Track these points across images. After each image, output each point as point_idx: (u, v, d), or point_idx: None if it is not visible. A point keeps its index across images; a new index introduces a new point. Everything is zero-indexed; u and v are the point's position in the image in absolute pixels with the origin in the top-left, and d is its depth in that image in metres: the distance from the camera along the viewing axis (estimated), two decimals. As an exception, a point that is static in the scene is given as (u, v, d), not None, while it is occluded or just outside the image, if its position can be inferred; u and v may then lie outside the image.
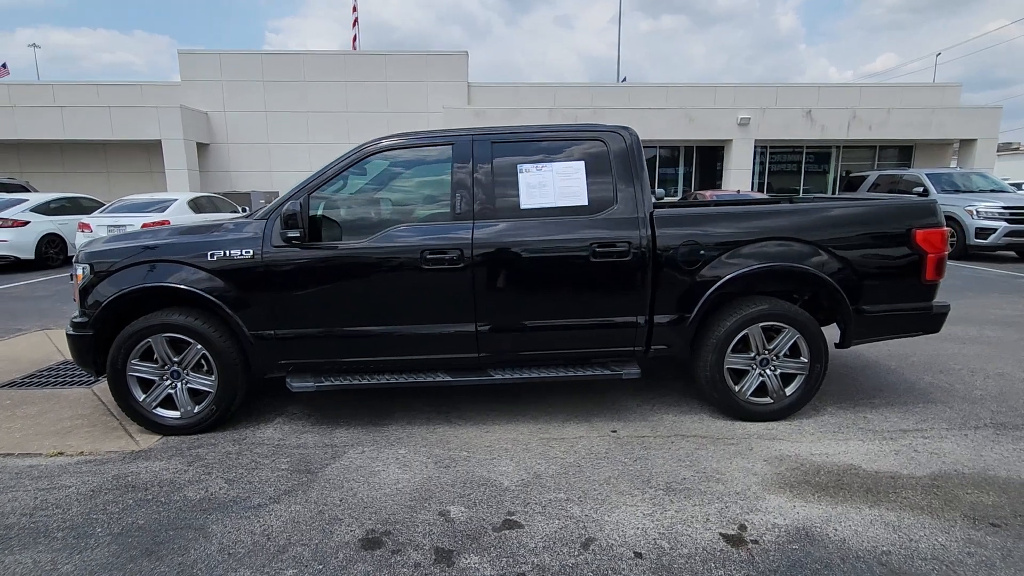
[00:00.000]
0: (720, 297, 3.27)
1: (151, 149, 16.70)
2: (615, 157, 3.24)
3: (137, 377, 3.20)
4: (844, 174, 17.97)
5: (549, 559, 2.10)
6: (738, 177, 17.03)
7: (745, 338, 3.26)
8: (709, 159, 18.31)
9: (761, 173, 18.49)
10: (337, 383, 3.21)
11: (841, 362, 4.44)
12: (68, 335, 3.22)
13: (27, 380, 4.19)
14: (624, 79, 25.78)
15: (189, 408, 3.23)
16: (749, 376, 3.32)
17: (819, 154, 18.63)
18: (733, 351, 3.28)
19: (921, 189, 10.91)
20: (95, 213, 10.00)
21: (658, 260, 3.15)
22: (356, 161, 3.23)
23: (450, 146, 3.23)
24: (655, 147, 18.08)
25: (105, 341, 3.19)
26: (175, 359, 3.18)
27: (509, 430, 3.26)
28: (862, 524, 2.30)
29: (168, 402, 3.24)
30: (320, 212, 3.23)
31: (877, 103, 17.92)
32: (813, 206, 3.37)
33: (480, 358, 3.25)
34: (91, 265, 3.19)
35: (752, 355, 3.30)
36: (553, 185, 3.21)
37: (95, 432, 3.28)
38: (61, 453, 3.05)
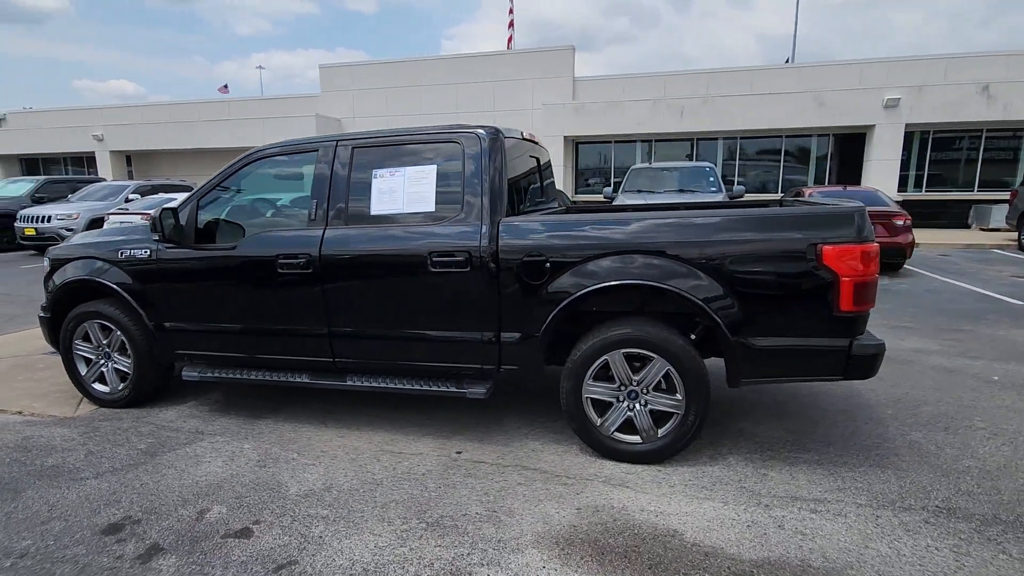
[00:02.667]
0: (574, 316, 2.89)
1: (296, 153, 19.17)
2: (468, 161, 3.01)
3: (82, 355, 3.78)
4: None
5: (236, 574, 2.08)
6: (882, 171, 14.39)
7: (607, 365, 2.83)
8: (849, 150, 15.73)
9: (919, 165, 15.39)
10: (216, 375, 3.46)
11: (829, 403, 3.62)
12: (39, 316, 3.91)
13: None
14: (788, 60, 23.25)
15: (116, 386, 3.73)
16: (614, 409, 2.88)
17: (1003, 140, 14.93)
18: (595, 379, 2.87)
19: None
20: (113, 209, 11.50)
21: (502, 273, 2.88)
22: (239, 169, 3.43)
23: (315, 152, 3.28)
24: (780, 136, 16.04)
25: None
26: (104, 342, 3.70)
27: (359, 438, 3.24)
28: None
29: (102, 379, 3.78)
30: (208, 217, 3.49)
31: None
32: (684, 214, 2.78)
33: (336, 363, 3.26)
34: (49, 260, 3.83)
35: (616, 385, 2.86)
36: (403, 191, 3.09)
37: (59, 399, 3.93)
38: (20, 412, 3.72)
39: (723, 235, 2.63)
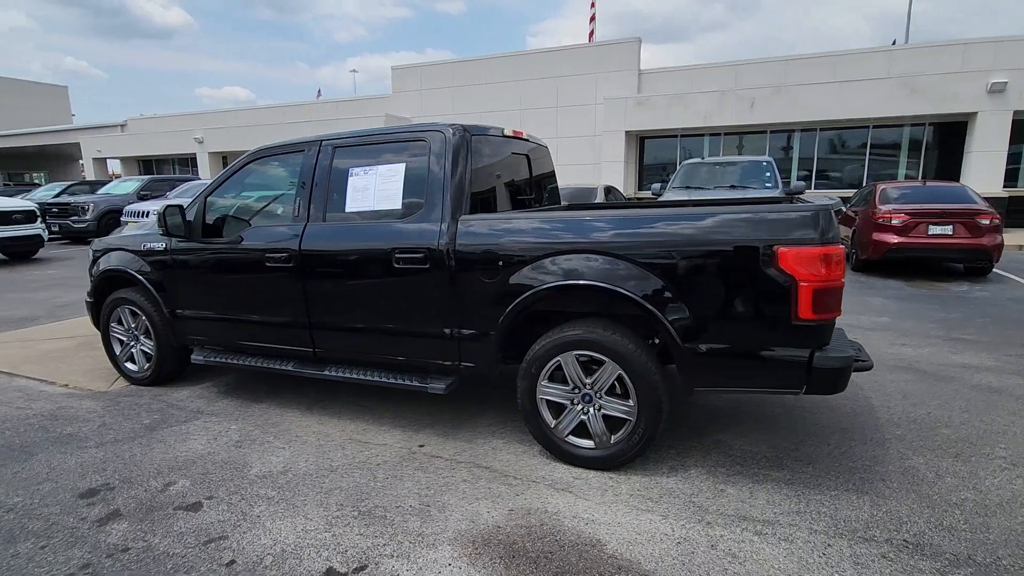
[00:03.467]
0: (536, 315, 2.85)
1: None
2: (433, 159, 3.04)
3: (116, 337, 4.22)
4: None
5: (171, 543, 2.26)
6: (985, 163, 12.78)
7: (562, 366, 2.77)
8: (948, 141, 14.11)
9: (1033, 156, 13.52)
10: (217, 360, 3.74)
11: (829, 419, 3.33)
12: (85, 301, 4.40)
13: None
14: (894, 42, 21.40)
15: (142, 365, 4.13)
16: (568, 412, 2.82)
17: None
18: (550, 380, 2.82)
19: None
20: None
21: (458, 270, 2.89)
22: (242, 167, 3.67)
23: (301, 153, 3.44)
24: (866, 127, 14.68)
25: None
26: (133, 326, 4.10)
27: (335, 426, 3.37)
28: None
29: (132, 359, 4.19)
30: (216, 213, 3.76)
31: None
32: (635, 212, 2.64)
33: (316, 353, 3.42)
34: (92, 251, 4.29)
35: (570, 388, 2.79)
36: (374, 188, 3.18)
37: (101, 376, 4.40)
38: (66, 385, 4.21)
39: (672, 235, 2.49)
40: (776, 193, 8.03)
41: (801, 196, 3.52)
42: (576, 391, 2.78)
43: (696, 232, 2.45)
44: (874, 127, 14.68)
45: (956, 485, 2.58)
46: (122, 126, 27.75)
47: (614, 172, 15.97)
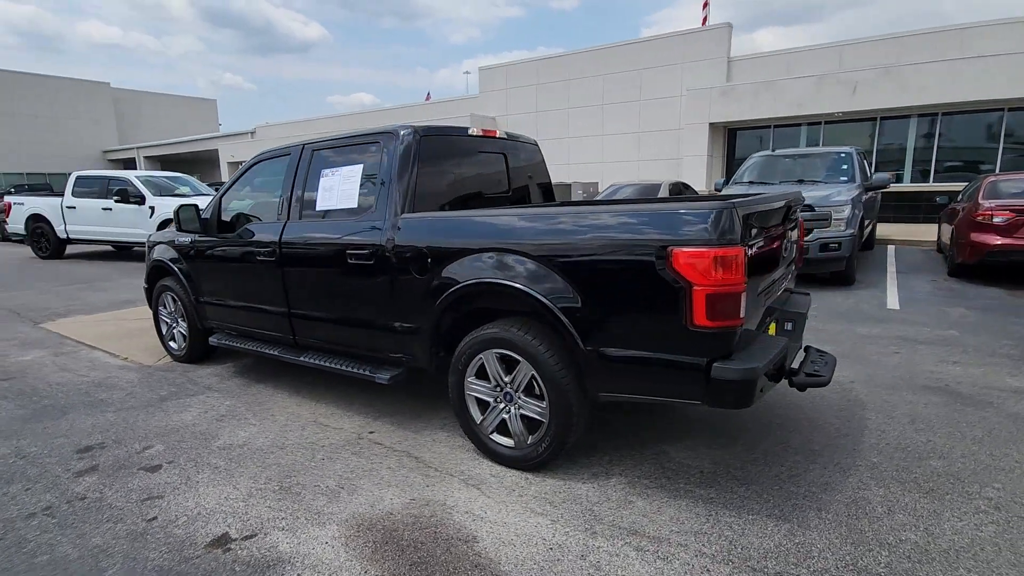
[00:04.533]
0: (470, 312, 2.89)
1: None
2: (385, 159, 3.17)
3: (162, 319, 4.86)
4: None
5: (117, 497, 2.61)
6: None
7: (485, 364, 2.80)
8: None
9: None
10: (225, 343, 4.19)
11: (803, 440, 3.04)
12: (143, 287, 5.10)
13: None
14: None
15: (180, 344, 4.72)
16: (491, 409, 2.84)
17: None
18: (477, 377, 2.86)
19: None
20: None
21: (398, 266, 3.00)
22: (246, 170, 4.07)
23: (287, 156, 3.74)
24: (1000, 110, 12.59)
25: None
26: (172, 310, 4.70)
27: (309, 408, 3.65)
28: None
29: (174, 339, 4.81)
30: (229, 211, 4.19)
31: None
32: (543, 211, 2.55)
33: (295, 340, 3.71)
34: (148, 244, 4.97)
35: (492, 385, 2.81)
36: (338, 189, 3.38)
37: (154, 352, 5.08)
38: (126, 359, 4.93)
39: (573, 234, 2.41)
40: (850, 187, 7.24)
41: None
42: (498, 389, 2.79)
43: (595, 231, 2.36)
44: (1009, 110, 12.57)
45: (905, 524, 2.25)
46: (251, 133, 31.13)
47: (695, 167, 15.20)
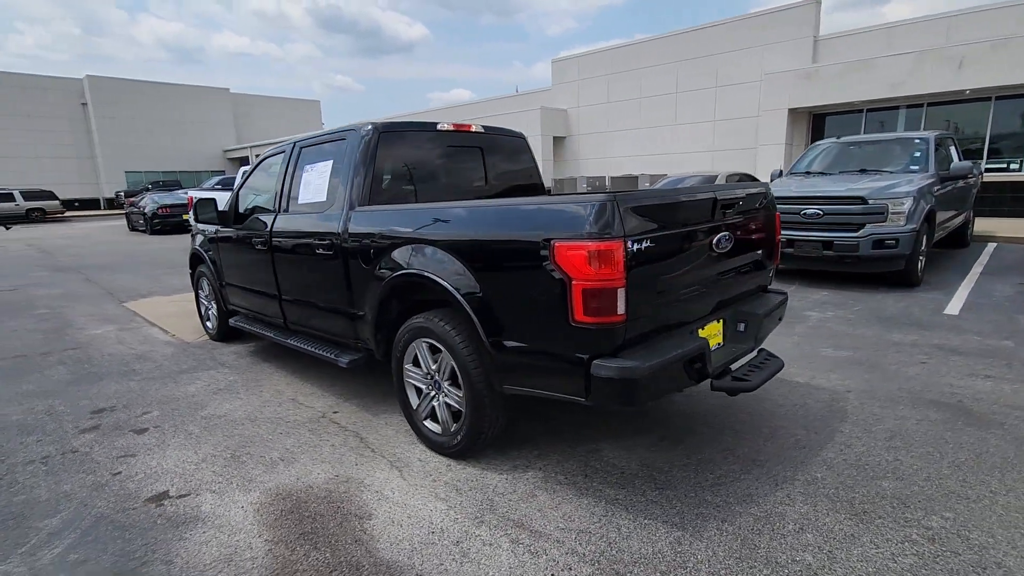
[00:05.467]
0: (405, 301, 3.00)
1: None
2: (347, 155, 3.34)
3: (200, 300, 5.42)
4: None
5: (100, 453, 3.01)
6: None
7: (417, 352, 2.90)
8: None
9: None
10: (241, 324, 4.61)
11: (759, 448, 2.87)
12: (189, 272, 5.70)
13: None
14: None
15: (213, 324, 5.25)
16: (424, 396, 2.93)
17: None
18: (413, 364, 2.97)
19: None
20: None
21: (350, 256, 3.17)
22: (256, 167, 4.43)
23: (282, 153, 4.03)
24: None
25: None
26: (207, 293, 5.24)
27: (295, 387, 3.94)
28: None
29: (208, 318, 5.35)
30: (243, 204, 4.58)
31: None
32: (456, 204, 2.56)
33: (286, 323, 4.02)
34: (192, 233, 5.54)
35: (424, 373, 2.90)
36: (313, 183, 3.61)
37: (198, 330, 5.68)
38: (174, 335, 5.55)
39: (478, 227, 2.44)
40: (919, 177, 6.48)
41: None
42: (429, 377, 2.88)
43: (494, 225, 2.38)
44: None
45: (809, 544, 2.07)
46: (344, 130, 33.15)
47: (772, 156, 14.18)
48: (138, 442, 3.14)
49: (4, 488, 2.67)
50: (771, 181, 8.07)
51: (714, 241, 2.52)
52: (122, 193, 32.99)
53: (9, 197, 26.50)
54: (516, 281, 2.32)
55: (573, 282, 2.09)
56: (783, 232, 6.66)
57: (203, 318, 5.42)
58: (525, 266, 2.26)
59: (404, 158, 3.45)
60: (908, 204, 6.01)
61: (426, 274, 2.63)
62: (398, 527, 2.29)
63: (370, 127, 3.34)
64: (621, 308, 2.07)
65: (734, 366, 2.70)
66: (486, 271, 2.42)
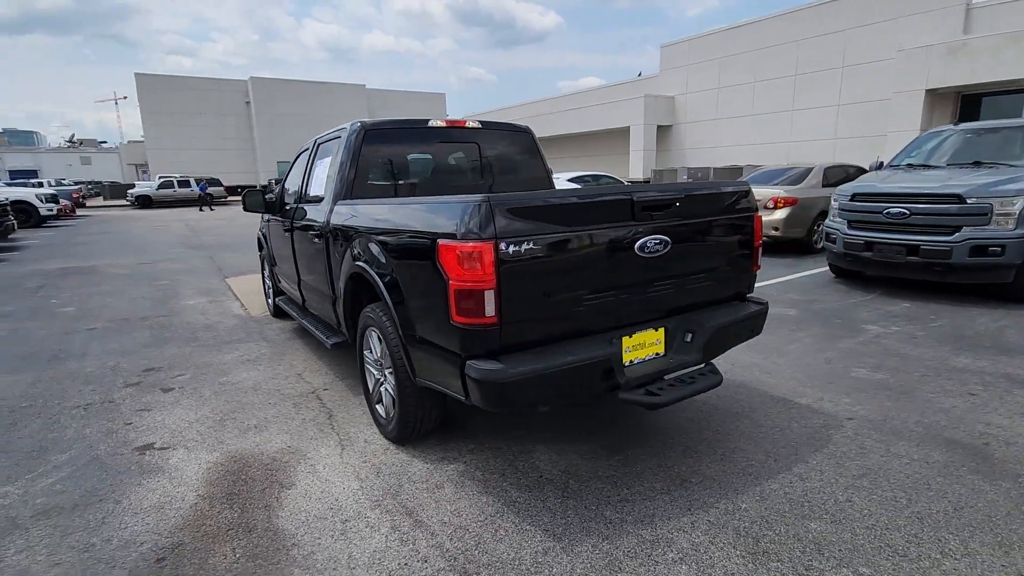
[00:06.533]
0: (368, 292, 3.18)
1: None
2: (338, 152, 3.59)
3: (265, 280, 6.10)
4: None
5: (127, 405, 3.57)
6: None
7: (369, 340, 3.08)
8: None
9: None
10: (279, 303, 5.13)
11: (714, 465, 2.69)
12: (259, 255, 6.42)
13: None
14: None
15: (271, 302, 5.90)
16: (376, 382, 3.10)
17: None
18: (369, 351, 3.15)
19: None
20: None
21: (332, 246, 3.42)
22: (295, 161, 4.87)
23: (307, 149, 4.40)
24: None
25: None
26: (267, 274, 5.88)
27: (305, 363, 4.32)
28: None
29: (269, 296, 6.00)
30: (285, 193, 5.06)
31: None
32: (385, 202, 2.63)
33: (304, 305, 4.41)
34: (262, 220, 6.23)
35: (375, 360, 3.07)
36: (318, 177, 3.91)
37: (263, 306, 6.39)
38: (246, 310, 6.31)
39: (394, 223, 2.53)
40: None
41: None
42: (379, 365, 3.04)
43: (404, 222, 2.45)
44: None
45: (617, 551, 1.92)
46: (459, 122, 34.48)
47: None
48: (160, 399, 3.68)
49: (46, 426, 3.30)
50: (869, 172, 7.15)
51: (637, 245, 2.37)
52: (273, 180, 37.49)
53: (186, 184, 31.40)
54: (420, 278, 2.38)
55: (449, 282, 2.11)
56: (861, 233, 5.90)
57: (266, 296, 6.10)
58: (424, 264, 2.31)
59: (390, 155, 3.62)
60: (1021, 204, 5.01)
61: (363, 266, 2.79)
62: (307, 499, 2.49)
63: (358, 125, 3.55)
64: (490, 310, 2.05)
65: (671, 377, 2.53)
66: (401, 267, 2.51)
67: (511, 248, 2.06)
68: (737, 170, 14.84)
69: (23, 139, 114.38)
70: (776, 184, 9.35)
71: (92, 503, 2.49)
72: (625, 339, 2.46)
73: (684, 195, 2.50)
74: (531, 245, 2.10)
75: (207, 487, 2.61)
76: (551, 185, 4.36)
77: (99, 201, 36.77)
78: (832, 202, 6.50)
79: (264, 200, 5.00)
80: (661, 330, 2.59)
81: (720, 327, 2.66)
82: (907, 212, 5.50)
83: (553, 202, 2.21)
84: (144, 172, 47.53)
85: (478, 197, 2.07)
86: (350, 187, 3.47)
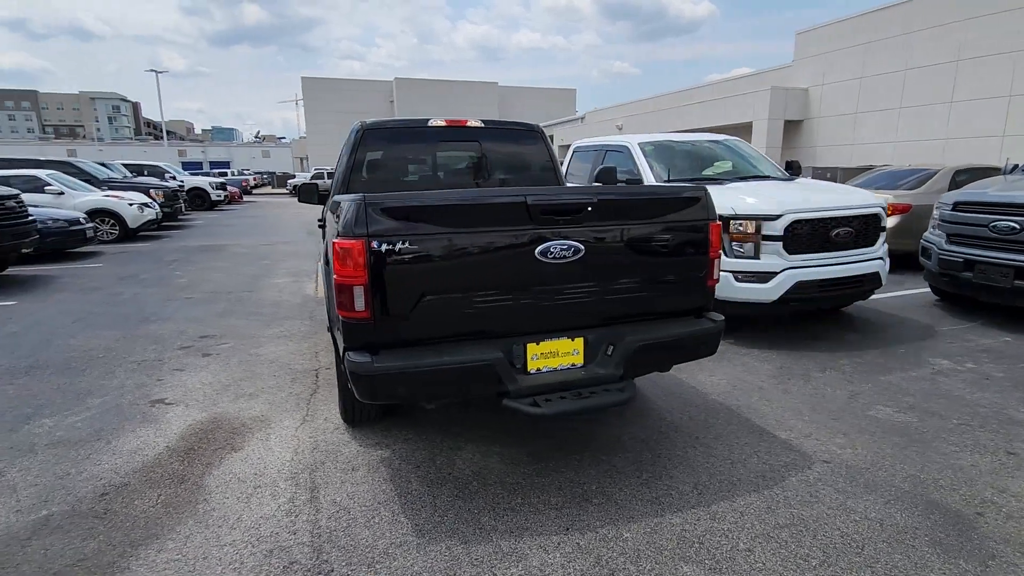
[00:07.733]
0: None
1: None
2: (344, 149, 3.86)
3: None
4: None
5: (170, 363, 4.19)
6: None
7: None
8: None
9: None
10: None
11: (680, 462, 2.58)
12: (330, 242, 7.05)
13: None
14: None
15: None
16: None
17: None
18: (341, 336, 3.39)
19: None
20: None
21: (324, 235, 3.71)
22: (340, 157, 5.30)
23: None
24: None
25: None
26: (328, 260, 6.46)
27: (322, 343, 4.71)
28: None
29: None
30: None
31: None
32: (341, 198, 2.76)
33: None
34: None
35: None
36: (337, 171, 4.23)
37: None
38: (316, 291, 6.99)
39: (326, 221, 2.68)
40: None
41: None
42: (342, 350, 3.26)
43: (329, 219, 2.60)
44: None
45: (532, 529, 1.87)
46: (581, 119, 34.27)
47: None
48: (196, 362, 4.27)
49: (103, 374, 4.00)
50: (995, 177, 6.00)
51: (539, 250, 2.29)
52: (326, 173, 40.59)
53: (330, 175, 35.19)
54: (329, 273, 2.53)
55: (333, 276, 2.24)
56: (961, 249, 4.98)
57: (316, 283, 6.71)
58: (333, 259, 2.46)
59: (388, 153, 3.82)
60: None
61: (326, 255, 3.02)
62: (242, 463, 2.78)
63: (358, 125, 3.80)
64: (360, 305, 2.14)
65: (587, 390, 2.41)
66: (327, 261, 2.69)
67: (383, 246, 2.12)
68: (870, 171, 13.05)
69: (226, 135, 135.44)
70: (897, 188, 8.14)
71: (91, 441, 3.01)
72: (531, 346, 2.40)
73: (597, 199, 2.36)
74: (407, 244, 2.15)
75: (179, 440, 3.02)
76: (560, 182, 4.28)
77: (268, 189, 42.33)
78: (934, 211, 5.54)
79: (318, 192, 5.51)
80: (579, 340, 2.48)
81: (645, 343, 2.47)
82: (1018, 227, 4.52)
83: (432, 203, 2.23)
84: (305, 164, 53.88)
85: (358, 196, 2.17)
86: (346, 183, 3.74)
